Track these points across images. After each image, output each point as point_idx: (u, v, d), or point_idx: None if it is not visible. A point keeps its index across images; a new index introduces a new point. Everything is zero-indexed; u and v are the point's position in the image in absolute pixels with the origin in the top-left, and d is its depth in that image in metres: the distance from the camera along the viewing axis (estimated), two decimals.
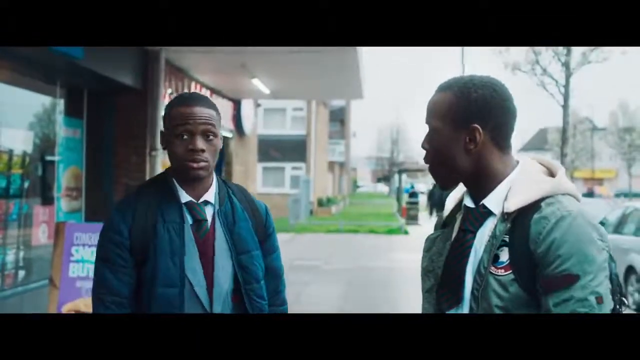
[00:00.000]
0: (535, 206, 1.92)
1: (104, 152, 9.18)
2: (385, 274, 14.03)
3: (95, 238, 5.38)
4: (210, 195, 2.54)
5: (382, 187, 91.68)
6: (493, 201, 2.01)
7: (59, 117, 8.60)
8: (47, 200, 8.33)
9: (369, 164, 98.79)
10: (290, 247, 18.76)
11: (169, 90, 10.33)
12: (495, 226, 1.97)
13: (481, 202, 2.04)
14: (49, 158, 8.46)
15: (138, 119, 9.40)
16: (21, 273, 7.62)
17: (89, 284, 5.24)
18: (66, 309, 5.56)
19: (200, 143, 2.44)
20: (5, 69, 7.38)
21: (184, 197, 2.50)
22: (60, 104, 8.64)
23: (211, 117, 2.47)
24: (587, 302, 1.79)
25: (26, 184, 7.93)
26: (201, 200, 2.52)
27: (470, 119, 2.00)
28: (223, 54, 9.88)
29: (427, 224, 27.01)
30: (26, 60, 7.34)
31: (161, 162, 9.57)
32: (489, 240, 1.97)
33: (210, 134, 2.47)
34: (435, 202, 30.40)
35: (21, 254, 7.68)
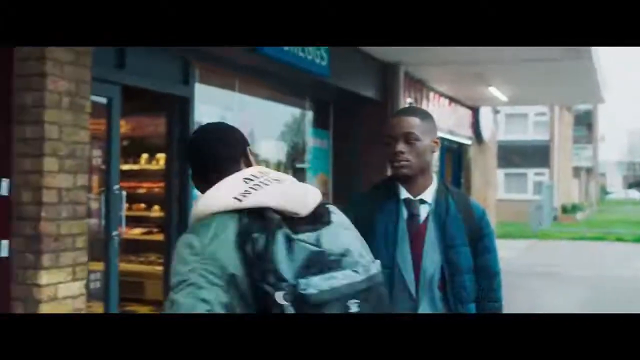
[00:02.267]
0: None
1: (349, 160, 9.87)
2: (630, 284, 13.58)
3: None
4: (428, 194, 2.94)
5: (635, 194, 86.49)
6: None
7: (308, 129, 9.47)
8: None
9: (619, 169, 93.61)
10: (531, 254, 18.63)
11: (409, 100, 10.87)
12: None
13: None
14: (299, 166, 9.34)
15: (380, 129, 10.01)
16: None
17: None
18: None
19: (400, 146, 2.85)
20: (262, 87, 8.31)
21: (403, 194, 2.93)
22: (309, 116, 9.51)
23: (411, 124, 2.88)
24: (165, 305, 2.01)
25: None
26: (418, 197, 2.93)
27: None
28: (460, 64, 10.24)
29: None
30: (280, 79, 8.20)
31: None
32: None
33: (411, 138, 2.87)
34: None
35: None
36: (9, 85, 4.55)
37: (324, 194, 9.75)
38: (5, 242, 4.53)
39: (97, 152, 6.07)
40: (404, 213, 2.91)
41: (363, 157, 9.78)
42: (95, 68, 4.99)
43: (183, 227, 6.71)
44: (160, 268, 7.43)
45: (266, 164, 8.62)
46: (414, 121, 2.88)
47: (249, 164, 2.27)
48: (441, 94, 12.65)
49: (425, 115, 2.97)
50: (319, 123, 9.74)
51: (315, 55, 7.71)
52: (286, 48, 7.10)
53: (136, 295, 8.07)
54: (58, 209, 4.62)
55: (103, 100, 5.67)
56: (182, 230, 7.10)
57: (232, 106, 7.81)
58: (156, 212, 8.48)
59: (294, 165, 9.28)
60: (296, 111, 9.34)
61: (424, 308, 2.84)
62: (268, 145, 8.76)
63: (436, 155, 11.76)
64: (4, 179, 4.54)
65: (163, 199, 7.26)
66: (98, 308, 5.78)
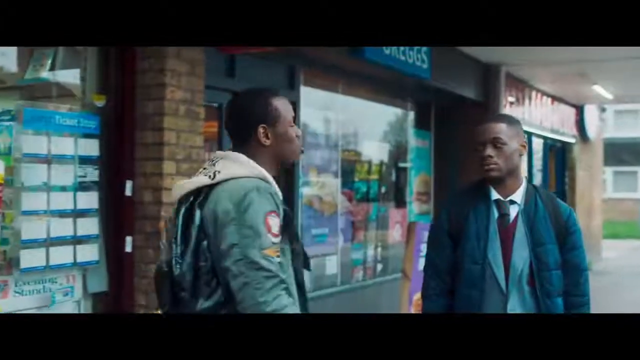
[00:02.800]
0: None
1: (450, 160, 9.99)
2: None
3: None
4: (517, 196, 3.13)
5: None
6: None
7: (410, 130, 9.67)
8: (401, 203, 9.44)
9: None
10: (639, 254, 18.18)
11: (510, 99, 10.90)
12: None
13: None
14: (401, 166, 9.55)
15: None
16: (379, 266, 8.76)
17: None
18: (416, 297, 6.43)
19: (488, 150, 3.06)
20: (365, 90, 8.55)
21: (494, 195, 3.13)
22: (411, 117, 9.70)
23: (498, 130, 3.07)
24: None
25: (383, 189, 9.09)
26: (508, 198, 3.12)
27: None
28: (563, 64, 10.18)
29: None
30: (382, 81, 8.42)
31: None
32: None
33: (498, 143, 3.06)
34: None
35: (379, 250, 8.83)
36: (132, 96, 4.96)
37: (426, 194, 9.95)
38: (129, 239, 4.95)
39: (207, 155, 6.45)
40: (495, 213, 3.11)
41: (464, 157, 9.88)
42: (208, 77, 5.34)
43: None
44: None
45: (369, 163, 8.87)
46: (501, 127, 3.09)
47: (259, 142, 2.47)
48: (544, 93, 12.57)
49: (512, 121, 3.17)
50: (421, 124, 9.91)
51: (416, 58, 7.89)
52: (387, 52, 7.31)
53: None
54: None
55: (214, 104, 6.02)
56: None
57: (335, 108, 8.09)
58: None
59: (397, 164, 9.50)
60: (398, 112, 9.54)
61: (514, 302, 3.04)
62: (371, 145, 9.00)
63: (539, 154, 11.71)
64: (128, 181, 4.95)
65: None
66: None
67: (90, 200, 4.75)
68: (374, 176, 8.97)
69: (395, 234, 9.11)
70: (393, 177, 9.44)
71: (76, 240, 4.66)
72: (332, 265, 7.80)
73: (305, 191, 7.42)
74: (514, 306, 3.05)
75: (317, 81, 7.60)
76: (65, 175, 4.59)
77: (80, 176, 4.69)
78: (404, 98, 9.44)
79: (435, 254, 3.21)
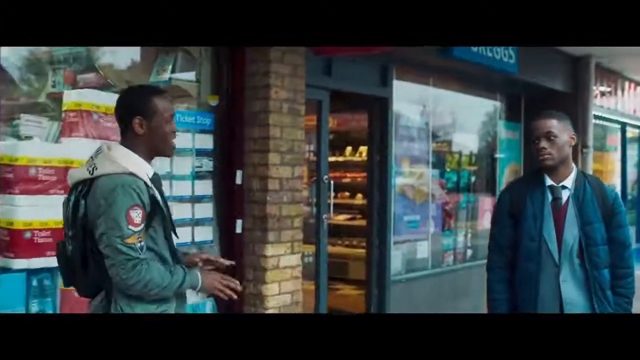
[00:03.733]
0: None
1: None
2: None
3: None
4: (568, 181, 3.59)
5: None
6: None
7: (500, 122, 10.00)
8: (491, 192, 9.80)
9: None
10: None
11: (601, 88, 11.01)
12: None
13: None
14: (492, 156, 9.91)
15: (570, 120, 10.23)
16: (469, 252, 9.18)
17: None
18: None
19: (543, 143, 3.52)
20: (455, 84, 8.93)
21: (548, 181, 3.60)
22: (501, 109, 10.03)
23: (550, 125, 3.53)
24: None
25: (473, 179, 9.49)
26: (560, 184, 3.59)
27: None
28: None
29: None
30: (472, 76, 8.77)
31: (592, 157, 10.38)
32: None
33: (551, 136, 3.52)
34: None
35: (469, 237, 9.24)
36: (242, 96, 5.57)
37: None
38: (239, 221, 5.56)
39: (307, 147, 6.98)
40: (549, 197, 3.60)
41: None
42: (307, 76, 5.84)
43: (384, 213, 7.53)
44: (362, 251, 8.17)
45: (459, 154, 9.27)
46: (552, 122, 3.56)
47: (135, 132, 2.79)
48: (637, 83, 12.55)
49: (562, 117, 3.63)
50: (510, 116, 10.20)
51: (504, 54, 8.22)
52: (475, 49, 7.68)
53: (342, 275, 9.04)
54: (280, 195, 5.57)
55: (313, 100, 6.53)
56: (383, 216, 7.74)
57: (427, 101, 8.51)
58: (359, 200, 9.37)
59: (488, 155, 9.85)
60: (488, 104, 9.86)
61: (565, 273, 3.53)
62: (462, 136, 9.37)
63: (635, 144, 11.63)
64: (238, 171, 5.55)
65: (365, 188, 8.03)
66: (309, 285, 6.63)
67: (205, 187, 5.38)
68: (465, 166, 9.36)
69: (485, 222, 9.46)
70: (483, 167, 9.79)
71: (194, 223, 5.30)
72: (423, 250, 8.27)
73: (398, 181, 7.89)
74: (566, 276, 3.51)
75: (409, 76, 8.01)
76: (184, 166, 5.20)
77: (197, 167, 5.30)
78: (493, 91, 9.76)
79: (497, 232, 3.70)
